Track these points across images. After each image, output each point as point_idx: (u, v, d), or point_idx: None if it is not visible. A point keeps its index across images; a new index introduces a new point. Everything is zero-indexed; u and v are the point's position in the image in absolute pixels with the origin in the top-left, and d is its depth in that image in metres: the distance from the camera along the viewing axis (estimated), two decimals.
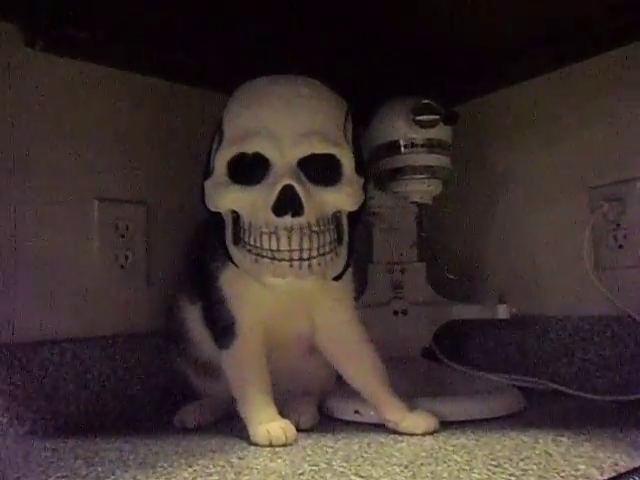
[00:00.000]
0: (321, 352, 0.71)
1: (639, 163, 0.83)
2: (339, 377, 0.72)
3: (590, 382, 0.85)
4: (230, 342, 0.66)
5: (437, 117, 0.79)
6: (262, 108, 0.62)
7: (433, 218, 0.91)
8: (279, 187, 0.59)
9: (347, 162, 0.63)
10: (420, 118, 0.79)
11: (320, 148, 0.61)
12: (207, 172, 0.65)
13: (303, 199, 0.59)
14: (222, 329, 0.67)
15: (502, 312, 0.86)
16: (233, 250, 0.63)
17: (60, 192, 0.79)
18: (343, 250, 0.64)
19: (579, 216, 0.89)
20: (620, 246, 0.85)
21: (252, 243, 0.61)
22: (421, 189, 0.84)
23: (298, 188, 0.59)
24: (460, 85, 0.97)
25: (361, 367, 0.69)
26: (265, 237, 0.60)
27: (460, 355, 0.99)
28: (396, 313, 0.91)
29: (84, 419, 0.75)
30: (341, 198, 0.63)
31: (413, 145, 0.82)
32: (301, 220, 0.59)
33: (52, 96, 0.79)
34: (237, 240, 0.63)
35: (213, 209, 0.64)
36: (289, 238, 0.59)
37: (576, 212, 0.90)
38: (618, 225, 0.85)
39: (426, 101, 0.79)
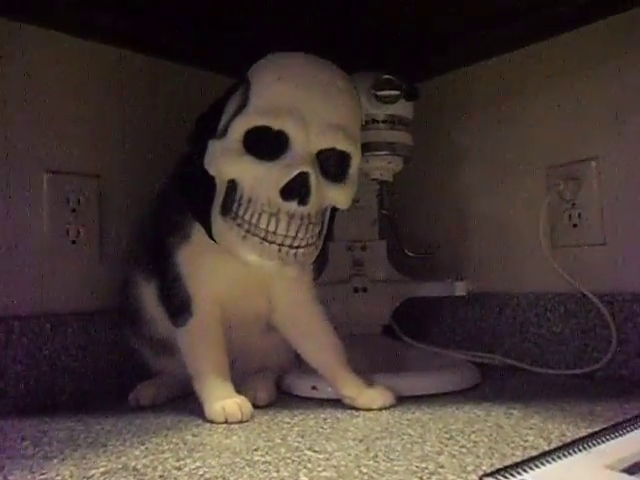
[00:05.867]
0: (278, 330, 0.71)
1: (595, 143, 0.84)
2: (297, 354, 0.72)
3: (543, 357, 0.87)
4: (186, 320, 0.65)
5: (398, 93, 0.79)
6: (299, 89, 0.60)
7: (394, 195, 0.90)
8: (295, 172, 0.58)
9: (356, 161, 0.63)
10: (381, 93, 0.79)
11: (342, 144, 0.61)
12: (213, 130, 0.61)
13: (313, 189, 0.58)
14: (178, 307, 0.66)
15: (460, 289, 0.87)
16: (218, 220, 0.60)
17: (7, 164, 0.75)
18: (320, 242, 0.64)
19: (536, 195, 0.90)
20: (575, 225, 0.86)
21: (246, 219, 0.59)
22: (382, 166, 0.84)
23: (312, 178, 0.58)
24: (422, 61, 0.96)
25: (318, 345, 0.69)
26: (264, 216, 0.58)
27: (419, 332, 1.00)
28: (356, 290, 0.91)
29: (34, 399, 0.73)
30: (341, 197, 0.63)
31: (374, 121, 0.81)
32: (304, 209, 0.59)
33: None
34: (226, 211, 0.60)
35: (212, 173, 0.61)
36: (288, 224, 0.58)
37: (533, 191, 0.91)
38: (574, 204, 0.86)
39: (387, 76, 0.79)
